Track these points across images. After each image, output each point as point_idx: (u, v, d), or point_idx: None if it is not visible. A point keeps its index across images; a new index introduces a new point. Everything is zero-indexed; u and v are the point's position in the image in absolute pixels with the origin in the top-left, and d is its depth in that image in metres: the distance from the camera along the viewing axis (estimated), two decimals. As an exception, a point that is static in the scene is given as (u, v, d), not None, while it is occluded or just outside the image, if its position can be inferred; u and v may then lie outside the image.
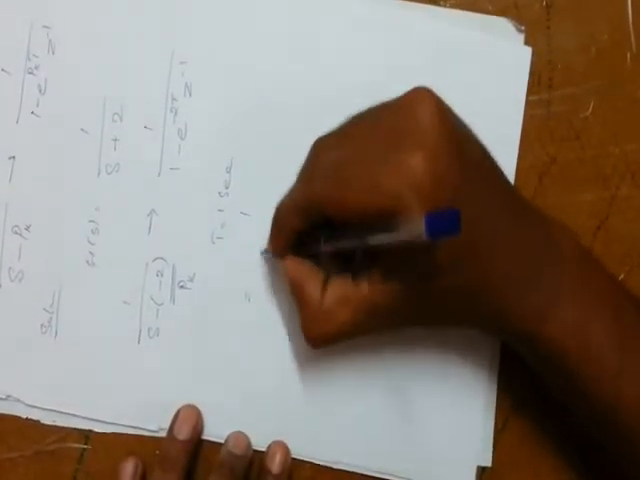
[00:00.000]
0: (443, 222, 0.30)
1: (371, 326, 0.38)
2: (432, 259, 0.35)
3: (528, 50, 0.44)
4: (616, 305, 0.38)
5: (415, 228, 0.30)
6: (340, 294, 0.37)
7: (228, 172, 0.43)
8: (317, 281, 0.38)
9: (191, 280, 0.43)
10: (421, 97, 0.35)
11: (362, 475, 0.43)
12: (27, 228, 0.43)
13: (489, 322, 0.39)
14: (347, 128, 0.37)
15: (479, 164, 0.37)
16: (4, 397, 0.43)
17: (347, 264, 0.38)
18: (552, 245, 0.38)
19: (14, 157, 0.43)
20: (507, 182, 0.39)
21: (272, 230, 0.40)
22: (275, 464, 0.41)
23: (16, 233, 0.43)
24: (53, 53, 0.43)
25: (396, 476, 0.43)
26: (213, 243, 0.43)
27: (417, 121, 0.34)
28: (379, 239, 0.33)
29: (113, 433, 0.43)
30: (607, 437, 0.39)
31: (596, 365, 0.37)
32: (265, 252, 0.42)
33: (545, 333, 0.37)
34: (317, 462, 0.43)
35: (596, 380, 0.37)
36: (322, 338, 0.38)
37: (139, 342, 0.43)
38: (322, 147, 0.38)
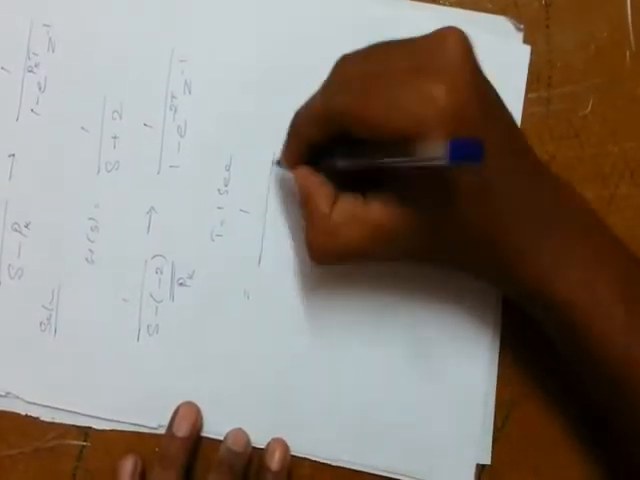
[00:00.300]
0: (466, 148, 0.30)
1: (375, 250, 0.38)
2: (447, 188, 0.35)
3: (527, 48, 0.44)
4: (622, 265, 0.38)
5: (437, 151, 0.30)
6: (349, 211, 0.37)
7: (227, 170, 0.43)
8: (327, 195, 0.38)
9: (190, 277, 0.43)
10: (452, 33, 0.35)
11: (361, 472, 0.43)
12: (27, 225, 0.43)
13: (496, 273, 0.38)
14: (374, 47, 0.37)
15: (499, 112, 0.37)
16: (3, 394, 0.43)
17: (360, 185, 0.38)
18: (561, 204, 0.38)
19: (14, 155, 0.43)
20: (523, 137, 0.38)
21: (287, 138, 0.40)
22: (274, 461, 0.41)
23: (16, 230, 0.43)
24: (53, 51, 0.43)
25: (395, 473, 0.43)
26: (212, 240, 0.43)
27: (445, 53, 0.34)
28: (396, 160, 0.33)
29: (112, 430, 0.43)
30: (614, 401, 0.39)
31: (603, 321, 0.37)
32: (278, 163, 0.41)
33: (551, 289, 0.37)
34: (316, 459, 0.43)
35: (604, 337, 0.37)
36: (325, 253, 0.38)
37: (138, 339, 0.43)
38: (347, 60, 0.37)
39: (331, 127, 0.37)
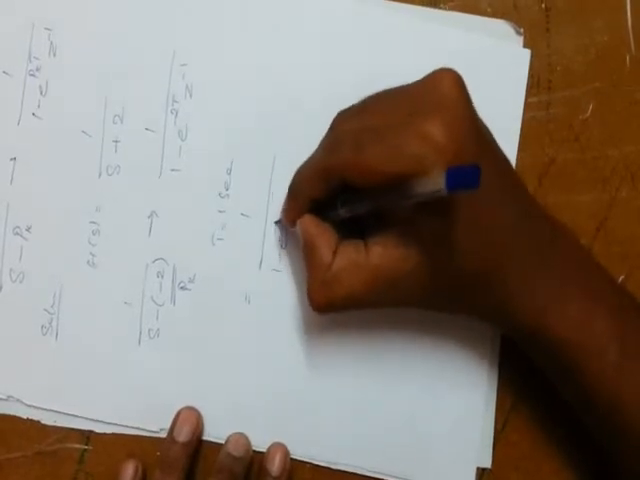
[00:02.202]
0: (463, 175, 0.30)
1: (376, 297, 0.38)
2: (443, 222, 0.35)
3: (527, 52, 0.44)
4: (617, 304, 0.39)
5: (436, 183, 0.31)
6: (349, 259, 0.37)
7: (228, 174, 0.43)
8: (330, 244, 0.38)
9: (191, 281, 0.43)
10: (445, 74, 0.36)
11: (362, 476, 0.43)
12: (28, 229, 0.43)
13: (493, 311, 0.39)
14: (369, 100, 0.38)
15: (494, 149, 0.37)
16: (5, 397, 0.43)
17: (360, 233, 0.38)
18: (556, 242, 0.38)
19: (15, 158, 0.43)
20: (517, 176, 0.39)
21: (288, 197, 0.40)
22: (275, 466, 0.42)
23: (17, 234, 0.43)
24: (54, 55, 0.43)
25: (396, 477, 0.43)
26: (213, 244, 0.43)
27: (439, 92, 0.35)
28: (397, 199, 0.34)
29: (114, 434, 0.43)
30: (607, 435, 0.39)
31: (597, 360, 0.37)
32: (278, 222, 0.42)
33: (547, 326, 0.37)
34: (317, 462, 0.43)
35: (597, 375, 0.37)
36: (325, 303, 0.38)
37: (139, 343, 0.43)
38: (343, 117, 0.38)
39: (332, 182, 0.37)
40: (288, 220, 0.40)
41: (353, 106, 0.38)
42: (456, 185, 0.30)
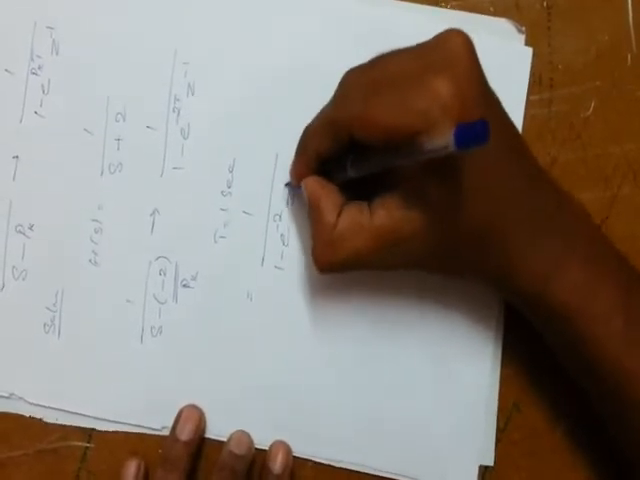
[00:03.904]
0: (472, 131, 0.30)
1: (378, 258, 0.38)
2: (449, 188, 0.36)
3: (529, 51, 0.44)
4: (622, 275, 0.38)
5: (444, 140, 0.31)
6: (353, 220, 0.37)
7: (231, 171, 0.43)
8: (335, 204, 0.38)
9: (194, 279, 0.43)
10: (455, 34, 0.36)
11: (364, 474, 0.43)
12: (30, 227, 0.43)
13: (497, 274, 0.38)
14: (378, 58, 0.38)
15: (499, 109, 0.37)
16: (7, 395, 0.43)
17: (365, 195, 0.38)
18: (562, 209, 0.38)
19: (17, 157, 0.43)
20: (523, 140, 0.39)
21: (296, 153, 0.40)
22: (276, 464, 0.42)
23: (20, 232, 0.43)
24: (56, 54, 0.43)
25: (398, 475, 0.43)
26: (216, 242, 0.43)
27: (447, 50, 0.35)
28: (406, 158, 0.34)
29: (116, 431, 0.43)
30: (609, 407, 0.39)
31: (601, 327, 0.37)
32: (288, 185, 0.42)
33: (550, 292, 0.37)
34: (319, 461, 0.43)
35: (600, 343, 0.37)
36: (329, 262, 0.38)
37: (142, 341, 0.43)
38: (352, 73, 0.38)
39: (340, 136, 0.37)
40: (295, 176, 0.40)
41: (363, 64, 0.38)
42: (465, 141, 0.30)
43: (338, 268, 0.38)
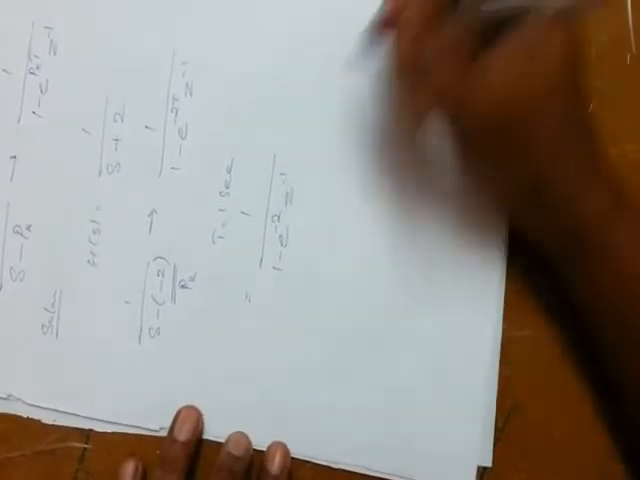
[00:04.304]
0: None
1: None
2: (542, 64, 0.37)
3: (528, 51, 0.44)
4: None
5: None
6: (452, 43, 0.37)
7: (229, 172, 0.43)
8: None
9: (192, 280, 0.43)
10: None
11: (362, 475, 0.43)
12: (28, 228, 0.43)
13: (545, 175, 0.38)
14: None
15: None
16: (5, 396, 0.43)
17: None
18: (599, 167, 0.39)
19: (15, 157, 0.43)
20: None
21: None
22: (274, 465, 0.42)
23: (17, 233, 0.43)
24: (54, 53, 0.43)
25: (396, 476, 0.43)
26: (214, 243, 0.43)
27: None
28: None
29: (114, 432, 0.43)
30: (619, 346, 0.39)
31: (614, 262, 0.37)
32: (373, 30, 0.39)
33: (576, 210, 0.38)
34: (317, 462, 0.43)
35: (614, 275, 0.37)
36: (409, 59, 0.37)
37: (140, 342, 0.43)
38: None
39: None
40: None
41: None
42: None
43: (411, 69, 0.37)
